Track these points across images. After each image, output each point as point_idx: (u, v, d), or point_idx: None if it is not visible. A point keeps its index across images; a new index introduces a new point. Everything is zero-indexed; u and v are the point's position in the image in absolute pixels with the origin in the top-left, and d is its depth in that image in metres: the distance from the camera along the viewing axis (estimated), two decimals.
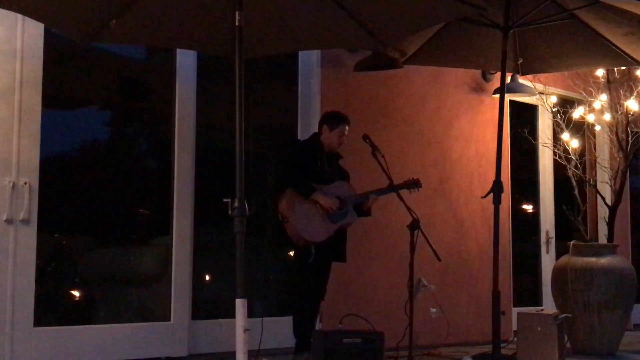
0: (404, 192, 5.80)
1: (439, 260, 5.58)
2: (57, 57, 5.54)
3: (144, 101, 6.38)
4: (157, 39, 5.51)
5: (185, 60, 6.08)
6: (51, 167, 5.51)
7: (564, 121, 7.73)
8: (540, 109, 8.61)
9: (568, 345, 6.39)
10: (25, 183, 5.20)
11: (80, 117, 6.04)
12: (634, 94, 7.56)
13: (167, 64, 6.10)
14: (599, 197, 7.75)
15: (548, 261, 8.58)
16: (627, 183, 7.88)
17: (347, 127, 5.87)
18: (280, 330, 5.81)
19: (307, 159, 5.73)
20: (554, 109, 7.92)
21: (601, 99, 7.83)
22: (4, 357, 5.05)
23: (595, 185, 7.83)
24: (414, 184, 5.97)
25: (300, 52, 6.73)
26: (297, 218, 5.52)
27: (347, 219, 5.77)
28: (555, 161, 8.11)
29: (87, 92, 6.03)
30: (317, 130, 5.98)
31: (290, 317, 5.70)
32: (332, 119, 5.90)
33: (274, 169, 6.97)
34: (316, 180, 5.68)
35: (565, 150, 7.62)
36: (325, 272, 5.84)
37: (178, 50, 6.02)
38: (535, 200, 8.83)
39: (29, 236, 5.21)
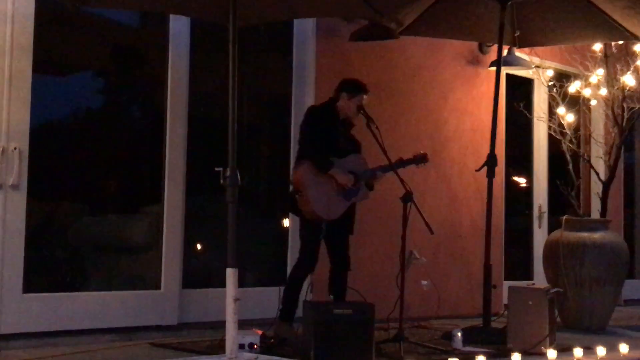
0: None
1: (432, 233, 5.55)
2: (48, 21, 5.46)
3: (137, 68, 6.32)
4: (150, 4, 5.45)
5: (179, 27, 6.01)
6: (42, 133, 5.45)
7: (559, 95, 7.70)
8: (536, 83, 8.57)
9: (559, 319, 6.41)
10: (15, 148, 5.15)
11: (71, 82, 5.98)
12: (631, 69, 7.51)
13: (161, 31, 6.02)
14: (592, 173, 7.74)
15: (540, 236, 8.59)
16: (621, 159, 7.85)
17: (365, 97, 5.75)
18: (270, 301, 5.78)
19: (324, 128, 5.60)
20: (549, 83, 7.88)
21: (598, 74, 7.78)
22: None
23: (589, 161, 7.81)
24: (421, 159, 5.90)
25: (295, 21, 6.66)
26: (312, 192, 5.44)
27: (360, 196, 5.72)
28: (550, 135, 8.09)
29: (79, 57, 5.96)
30: (332, 96, 5.80)
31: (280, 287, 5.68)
32: (352, 87, 5.74)
33: (268, 138, 6.94)
34: (333, 152, 5.59)
35: (560, 125, 7.59)
36: (343, 243, 5.76)
37: (171, 16, 5.95)
38: (528, 174, 8.81)
39: (19, 202, 5.17)
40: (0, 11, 5.15)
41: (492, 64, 7.74)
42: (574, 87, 7.82)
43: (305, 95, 6.63)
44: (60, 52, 5.79)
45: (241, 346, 4.75)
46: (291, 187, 5.54)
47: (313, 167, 5.50)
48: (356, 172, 5.65)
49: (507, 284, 7.01)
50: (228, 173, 4.25)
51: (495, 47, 6.86)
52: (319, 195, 5.47)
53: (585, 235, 6.86)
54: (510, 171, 8.45)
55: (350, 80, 5.86)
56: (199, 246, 6.34)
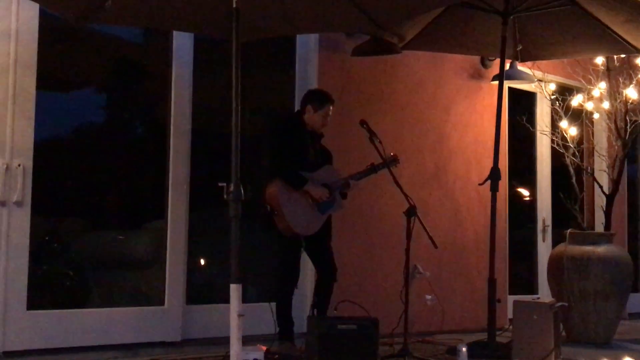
0: (400, 179, 5.75)
1: (436, 247, 5.55)
2: (52, 38, 5.48)
3: (140, 84, 6.33)
4: (154, 21, 5.45)
5: (182, 43, 6.03)
6: (45, 149, 5.45)
7: (562, 109, 7.69)
8: (539, 96, 8.57)
9: (563, 333, 6.38)
10: (19, 165, 5.15)
11: (75, 99, 6.00)
12: (633, 82, 7.52)
13: (164, 46, 6.04)
14: (596, 186, 7.73)
15: (544, 249, 8.56)
16: (625, 172, 7.84)
17: (331, 108, 5.75)
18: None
19: (293, 143, 5.60)
20: (552, 97, 7.88)
21: (600, 87, 7.79)
22: None
23: (592, 174, 7.80)
24: (391, 161, 5.83)
25: (298, 36, 6.67)
26: (288, 211, 5.42)
27: (334, 208, 5.71)
28: (553, 149, 8.07)
29: (83, 74, 5.98)
30: (299, 109, 5.85)
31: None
32: (317, 99, 5.74)
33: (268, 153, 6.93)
34: (304, 166, 5.58)
35: (563, 138, 7.59)
36: (326, 253, 5.74)
37: (175, 32, 5.96)
38: (532, 188, 8.80)
39: (23, 218, 5.17)
40: (4, 29, 5.17)
41: (494, 78, 7.74)
42: (576, 100, 7.83)
43: None
44: (64, 68, 5.81)
45: None
46: (268, 207, 5.48)
47: (285, 185, 5.48)
48: (329, 185, 5.64)
49: (511, 298, 7.01)
50: (231, 188, 4.24)
51: (497, 61, 6.86)
52: (294, 212, 5.46)
53: (589, 248, 6.84)
54: (513, 185, 8.44)
55: (315, 92, 5.88)
56: (202, 262, 6.33)
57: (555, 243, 8.01)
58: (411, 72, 7.43)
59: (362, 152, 6.05)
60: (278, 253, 5.66)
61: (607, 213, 7.39)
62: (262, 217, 5.54)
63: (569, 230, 7.04)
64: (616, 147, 7.56)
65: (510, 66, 7.61)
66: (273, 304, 5.55)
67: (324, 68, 6.73)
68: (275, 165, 5.56)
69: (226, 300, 4.21)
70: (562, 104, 7.71)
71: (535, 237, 8.75)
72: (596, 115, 8.13)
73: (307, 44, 6.73)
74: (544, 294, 7.89)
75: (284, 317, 5.56)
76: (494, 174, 6.17)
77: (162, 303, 5.82)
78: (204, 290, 6.26)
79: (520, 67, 7.76)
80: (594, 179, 7.74)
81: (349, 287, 6.48)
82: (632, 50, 6.71)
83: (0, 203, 5.08)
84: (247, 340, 4.56)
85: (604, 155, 8.07)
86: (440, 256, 7.03)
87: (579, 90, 8.07)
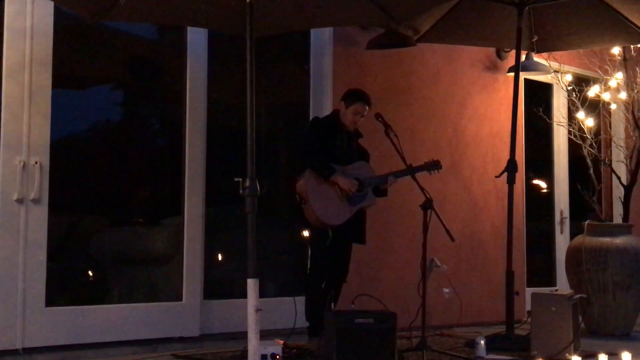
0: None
1: (453, 240, 5.53)
2: (67, 36, 5.50)
3: (155, 80, 6.34)
4: (168, 17, 5.46)
5: (196, 39, 6.03)
6: (62, 147, 5.49)
7: (579, 100, 7.65)
8: (555, 88, 8.52)
9: (582, 325, 6.35)
10: (36, 162, 5.18)
11: (90, 96, 6.02)
12: None
13: (178, 43, 6.05)
14: (614, 177, 7.69)
15: (562, 241, 8.53)
16: None
17: (364, 107, 5.73)
18: (292, 311, 5.77)
19: (325, 137, 5.65)
20: (569, 88, 7.84)
21: (617, 77, 7.74)
22: (16, 337, 5.05)
23: (610, 165, 7.75)
24: (434, 166, 5.88)
25: (312, 30, 6.66)
26: (316, 200, 5.47)
27: (366, 202, 5.72)
28: (570, 140, 8.03)
29: (98, 71, 6.00)
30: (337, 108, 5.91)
31: (302, 297, 5.68)
32: (349, 96, 5.78)
33: (287, 148, 6.94)
34: (335, 160, 5.62)
35: (581, 129, 7.54)
36: (346, 253, 5.80)
37: (189, 28, 5.97)
38: (549, 179, 8.76)
39: (40, 216, 5.19)
40: (20, 27, 5.19)
41: (510, 70, 7.70)
42: (593, 91, 7.78)
43: (323, 104, 6.62)
44: (79, 65, 5.83)
45: (263, 357, 4.75)
46: (298, 197, 5.55)
47: (315, 175, 5.53)
48: (361, 179, 5.65)
49: (529, 290, 6.98)
50: (247, 183, 4.25)
51: (513, 53, 6.83)
52: (322, 202, 5.50)
53: (607, 240, 6.81)
54: (530, 176, 8.41)
55: (350, 90, 5.90)
56: (219, 257, 6.34)
57: (573, 235, 7.98)
58: (426, 65, 7.40)
59: (379, 145, 6.04)
60: (306, 246, 5.69)
61: (625, 204, 7.35)
62: (291, 208, 5.62)
63: (587, 222, 7.01)
64: (634, 138, 7.52)
65: (526, 57, 7.57)
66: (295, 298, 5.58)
67: (338, 62, 6.72)
68: (306, 156, 5.62)
69: (244, 295, 4.22)
70: (578, 95, 7.66)
71: (553, 229, 8.71)
72: (613, 106, 8.07)
73: (321, 38, 6.72)
74: (563, 285, 7.86)
75: (314, 312, 5.54)
76: (511, 166, 6.14)
77: (180, 298, 5.83)
78: (222, 285, 6.28)
79: (536, 58, 7.71)
80: (612, 170, 7.69)
81: (367, 280, 6.48)
82: None
83: (17, 200, 5.11)
84: (266, 335, 4.57)
85: (621, 146, 8.02)
86: (457, 249, 7.01)
87: (595, 80, 8.02)
